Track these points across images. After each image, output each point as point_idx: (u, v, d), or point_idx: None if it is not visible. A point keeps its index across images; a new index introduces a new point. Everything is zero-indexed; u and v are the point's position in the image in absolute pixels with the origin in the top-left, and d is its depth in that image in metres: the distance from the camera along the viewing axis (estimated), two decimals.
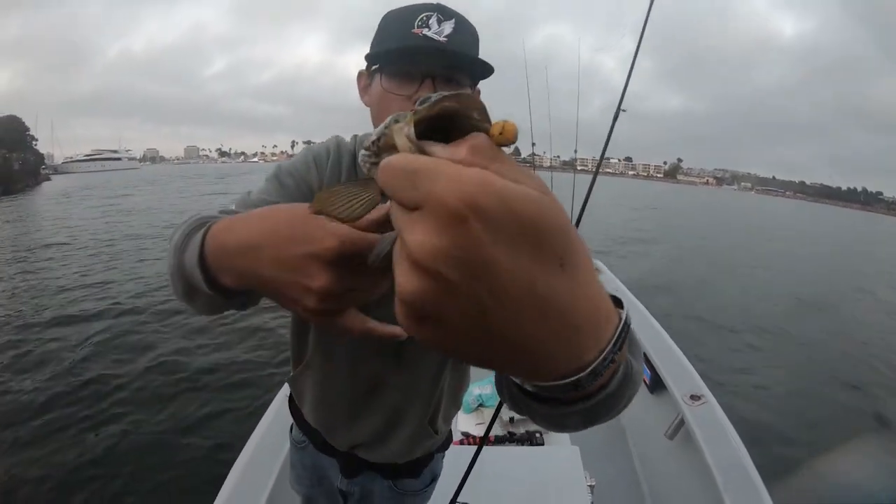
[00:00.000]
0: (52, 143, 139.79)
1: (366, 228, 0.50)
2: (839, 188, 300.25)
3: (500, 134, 0.33)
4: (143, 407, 4.80)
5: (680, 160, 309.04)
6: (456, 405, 1.30)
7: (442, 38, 0.88)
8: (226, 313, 0.77)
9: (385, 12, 0.97)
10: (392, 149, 0.37)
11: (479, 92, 1.02)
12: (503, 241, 0.28)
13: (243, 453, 2.08)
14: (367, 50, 0.98)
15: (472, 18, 0.94)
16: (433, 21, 0.88)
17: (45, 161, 77.99)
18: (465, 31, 0.92)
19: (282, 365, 5.48)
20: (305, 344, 1.16)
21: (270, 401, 2.48)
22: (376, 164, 0.38)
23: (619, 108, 1.23)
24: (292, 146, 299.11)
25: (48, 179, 59.00)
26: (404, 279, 0.30)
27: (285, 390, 2.30)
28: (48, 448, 4.17)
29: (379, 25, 0.96)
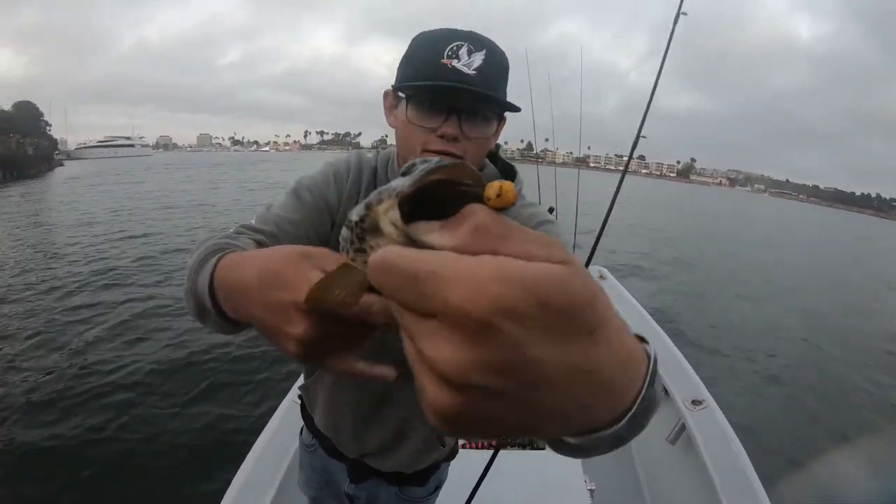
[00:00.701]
0: (66, 129, 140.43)
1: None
2: (853, 193, 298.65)
3: (499, 197, 0.31)
4: (148, 393, 4.81)
5: (693, 160, 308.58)
6: None
7: (471, 72, 0.85)
8: None
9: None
10: (377, 232, 0.34)
11: (504, 121, 0.99)
12: (538, 333, 0.26)
13: (251, 454, 2.09)
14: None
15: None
16: (463, 52, 0.86)
17: (59, 147, 78.34)
18: (496, 63, 0.89)
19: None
20: None
21: (281, 398, 2.48)
22: (361, 250, 0.35)
23: (638, 135, 1.23)
24: (305, 136, 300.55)
25: (61, 165, 59.03)
26: (436, 395, 0.28)
27: (293, 393, 2.30)
28: (48, 431, 4.18)
29: (410, 46, 0.93)
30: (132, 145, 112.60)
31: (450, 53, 0.85)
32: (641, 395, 0.36)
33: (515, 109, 0.94)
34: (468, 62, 0.85)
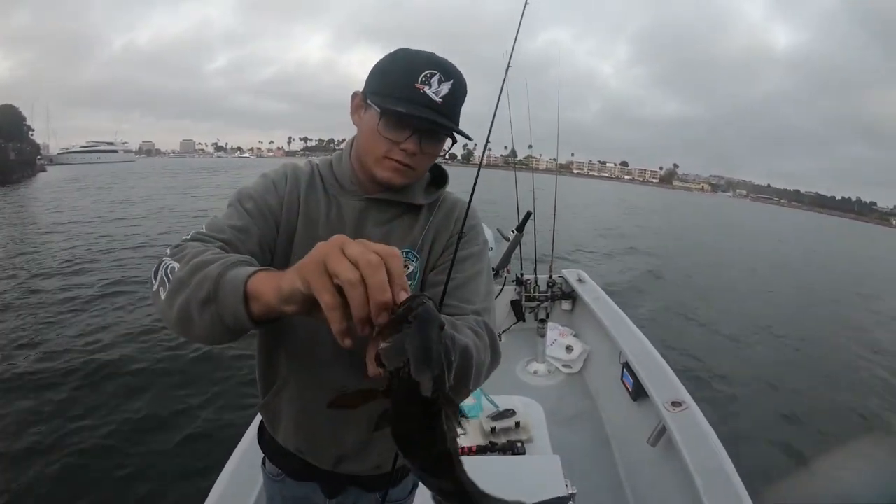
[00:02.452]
0: (48, 133, 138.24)
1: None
2: (833, 197, 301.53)
3: None
4: (112, 403, 4.79)
5: (676, 165, 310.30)
6: None
7: (438, 99, 0.99)
8: None
9: (396, 49, 1.06)
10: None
11: (455, 140, 1.10)
12: None
13: (213, 491, 1.96)
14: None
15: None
16: (434, 80, 0.98)
17: (41, 151, 77.25)
18: (458, 93, 1.03)
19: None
20: (277, 366, 1.19)
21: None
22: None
23: (486, 140, 1.32)
24: (289, 142, 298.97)
25: (44, 170, 58.24)
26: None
27: (252, 430, 2.21)
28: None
29: (390, 60, 1.04)
30: (115, 150, 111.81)
31: (423, 80, 0.98)
32: None
33: (467, 138, 1.07)
34: (437, 90, 0.99)
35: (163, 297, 0.80)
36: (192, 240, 0.92)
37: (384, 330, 0.58)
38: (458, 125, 1.06)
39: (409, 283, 1.09)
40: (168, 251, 0.87)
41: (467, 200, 1.23)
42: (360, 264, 0.57)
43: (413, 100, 0.98)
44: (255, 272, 0.74)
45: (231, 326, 0.73)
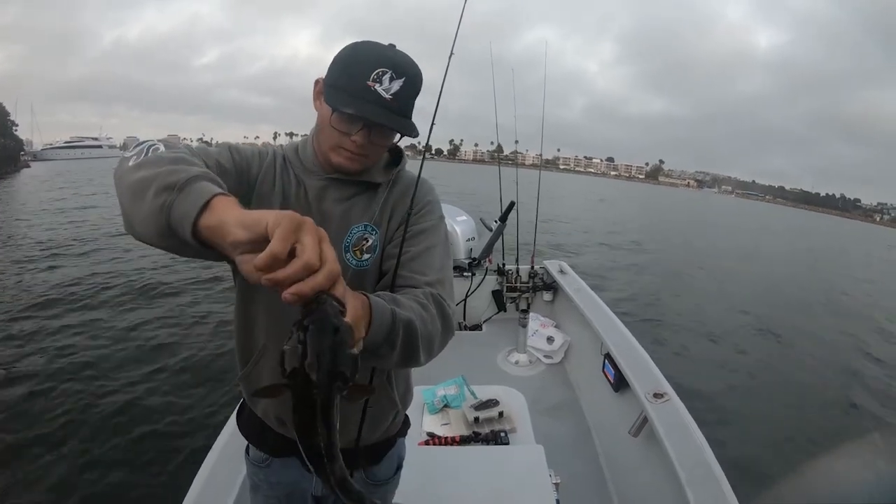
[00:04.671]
0: (32, 128, 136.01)
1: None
2: (818, 194, 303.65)
3: None
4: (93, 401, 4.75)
5: (662, 162, 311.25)
6: (407, 383, 1.39)
7: (388, 96, 1.04)
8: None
9: (356, 41, 1.11)
10: None
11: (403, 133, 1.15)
12: None
13: (194, 486, 1.89)
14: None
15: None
16: (386, 78, 1.04)
17: (24, 147, 76.02)
18: (410, 89, 1.08)
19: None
20: (255, 336, 1.20)
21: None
22: None
23: (431, 125, 1.33)
24: (275, 137, 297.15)
25: (27, 166, 57.58)
26: None
27: (230, 422, 2.18)
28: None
29: (343, 56, 1.09)
30: (99, 146, 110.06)
31: (374, 78, 1.03)
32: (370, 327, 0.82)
33: (413, 135, 1.13)
34: (387, 87, 1.04)
35: (131, 164, 0.82)
36: (188, 153, 0.92)
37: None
38: (409, 118, 1.12)
39: (370, 255, 1.17)
40: (159, 140, 0.90)
41: (422, 177, 1.27)
42: (327, 260, 0.64)
43: (363, 97, 1.03)
44: (229, 194, 0.75)
45: (173, 223, 0.72)
